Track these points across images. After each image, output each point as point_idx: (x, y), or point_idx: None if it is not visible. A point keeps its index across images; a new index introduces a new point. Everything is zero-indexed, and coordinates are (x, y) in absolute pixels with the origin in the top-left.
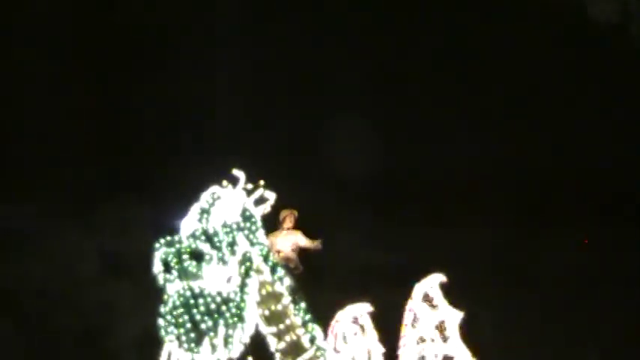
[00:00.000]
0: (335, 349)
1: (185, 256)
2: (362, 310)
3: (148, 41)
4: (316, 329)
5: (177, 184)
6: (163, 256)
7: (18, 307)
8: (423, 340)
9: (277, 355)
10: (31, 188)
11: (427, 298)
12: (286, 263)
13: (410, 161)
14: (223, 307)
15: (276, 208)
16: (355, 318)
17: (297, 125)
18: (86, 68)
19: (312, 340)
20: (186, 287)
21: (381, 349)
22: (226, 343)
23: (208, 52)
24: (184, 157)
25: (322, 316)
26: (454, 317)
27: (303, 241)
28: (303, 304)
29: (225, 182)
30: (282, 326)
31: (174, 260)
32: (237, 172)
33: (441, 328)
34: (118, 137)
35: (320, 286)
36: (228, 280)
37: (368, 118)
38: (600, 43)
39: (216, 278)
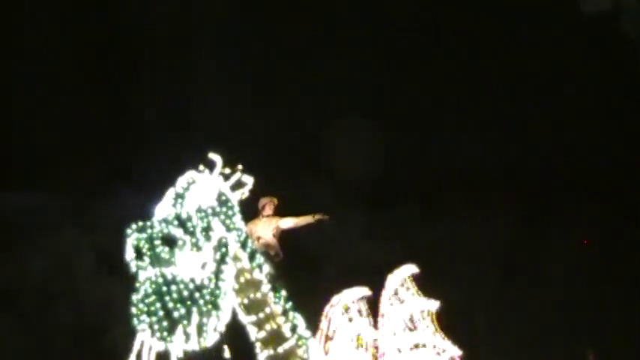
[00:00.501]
0: (327, 336)
1: (157, 242)
2: (358, 294)
3: (142, 38)
4: (298, 318)
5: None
6: (135, 242)
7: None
8: (404, 329)
9: (257, 345)
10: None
11: (399, 290)
12: (266, 250)
13: (408, 158)
14: (197, 295)
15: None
16: (351, 302)
17: (294, 123)
18: (78, 64)
19: (294, 329)
20: (158, 274)
21: (374, 335)
22: (200, 331)
23: (204, 50)
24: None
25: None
26: (429, 307)
27: (286, 222)
28: (283, 292)
29: (201, 167)
30: (261, 315)
31: (147, 246)
32: (214, 156)
33: (418, 317)
34: (112, 132)
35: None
36: (203, 267)
37: (368, 115)
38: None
39: (189, 264)
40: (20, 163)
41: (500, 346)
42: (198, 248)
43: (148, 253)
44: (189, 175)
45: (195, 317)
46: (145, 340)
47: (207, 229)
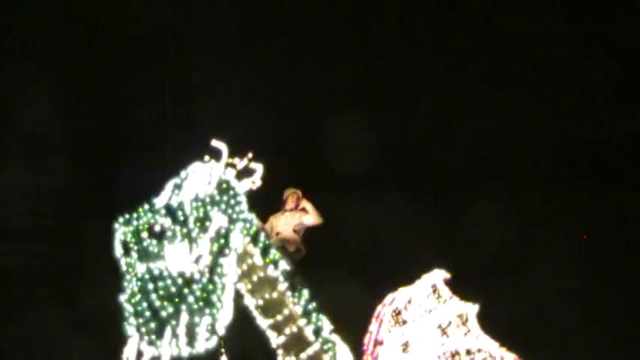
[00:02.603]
0: (376, 340)
1: (144, 235)
2: (419, 291)
3: (142, 32)
4: (322, 320)
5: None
6: (122, 237)
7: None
8: (443, 333)
9: (279, 352)
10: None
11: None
12: (283, 245)
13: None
14: (185, 290)
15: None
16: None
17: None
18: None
19: (317, 333)
20: (144, 270)
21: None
22: (190, 332)
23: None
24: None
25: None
26: (469, 310)
27: (309, 219)
28: (305, 291)
29: (207, 157)
30: (280, 317)
31: (133, 240)
32: (218, 144)
33: (461, 321)
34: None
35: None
36: (197, 260)
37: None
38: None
39: (180, 258)
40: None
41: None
42: (192, 240)
43: (135, 247)
44: (193, 165)
45: (184, 316)
46: (137, 344)
47: (202, 220)
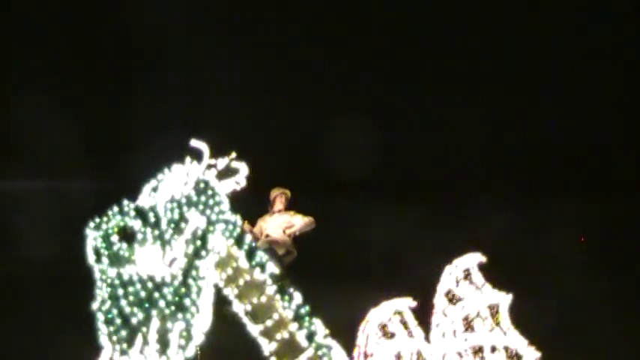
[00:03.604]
0: (365, 353)
1: (114, 238)
2: (398, 306)
3: (142, 36)
4: (315, 324)
5: None
6: (93, 243)
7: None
8: (468, 326)
9: (272, 359)
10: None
11: (461, 284)
12: (271, 247)
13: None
14: (156, 295)
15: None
16: (391, 315)
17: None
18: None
19: (310, 337)
20: (114, 275)
21: (429, 349)
22: (163, 339)
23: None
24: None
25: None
26: (502, 301)
27: (298, 219)
28: (296, 295)
29: (188, 158)
30: (270, 323)
31: (103, 245)
32: (198, 144)
33: (490, 313)
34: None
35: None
36: (171, 263)
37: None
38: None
39: (152, 261)
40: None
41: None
42: (165, 242)
43: (106, 252)
44: (171, 167)
45: (155, 322)
46: (108, 355)
47: (177, 221)
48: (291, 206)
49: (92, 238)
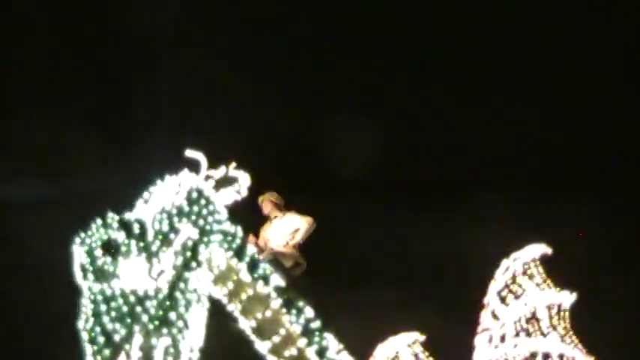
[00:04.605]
0: None
1: (98, 253)
2: (406, 340)
3: (141, 38)
4: (327, 339)
5: None
6: (79, 260)
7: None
8: (517, 333)
9: None
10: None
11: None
12: (276, 259)
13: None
14: (138, 309)
15: None
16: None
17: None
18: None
19: (321, 354)
20: (97, 291)
21: None
22: (147, 355)
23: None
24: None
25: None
26: (563, 300)
27: (297, 222)
28: (305, 308)
29: (186, 170)
30: (277, 339)
31: (88, 260)
32: (194, 154)
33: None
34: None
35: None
36: (158, 276)
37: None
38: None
39: (136, 274)
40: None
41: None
42: (151, 254)
43: (91, 268)
44: (164, 178)
45: (137, 338)
46: None
47: (166, 232)
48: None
49: (78, 254)
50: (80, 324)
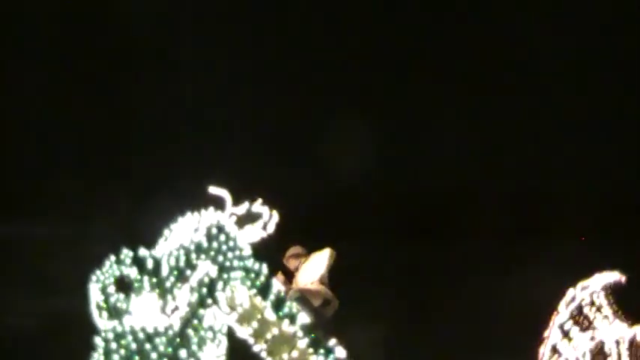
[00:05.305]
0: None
1: (110, 290)
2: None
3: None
4: None
5: None
6: (95, 299)
7: None
8: None
9: None
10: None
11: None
12: (302, 297)
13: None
14: (147, 346)
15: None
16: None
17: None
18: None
19: None
20: (109, 328)
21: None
22: None
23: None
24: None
25: None
26: (636, 335)
27: (321, 256)
28: (336, 348)
29: (211, 208)
30: None
31: (102, 298)
32: (217, 191)
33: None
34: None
35: None
36: (172, 312)
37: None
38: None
39: (149, 311)
40: None
41: None
42: (164, 290)
43: (104, 305)
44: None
45: None
46: None
47: (182, 268)
48: None
49: (93, 293)
50: None
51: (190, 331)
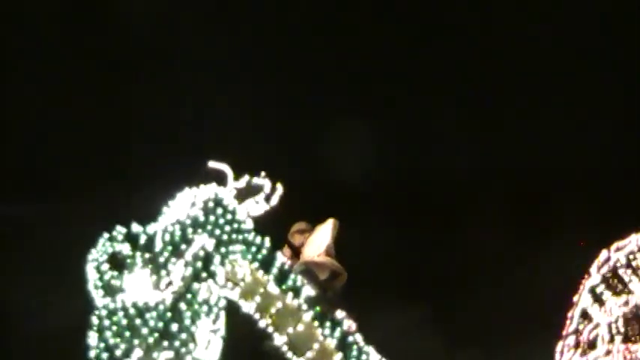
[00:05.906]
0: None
1: (104, 267)
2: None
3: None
4: (367, 352)
5: None
6: (91, 279)
7: None
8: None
9: None
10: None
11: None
12: (309, 270)
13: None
14: (138, 321)
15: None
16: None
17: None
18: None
19: None
20: (102, 305)
21: None
22: None
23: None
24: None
25: None
26: None
27: (325, 227)
28: (343, 320)
29: (214, 183)
30: (310, 354)
31: (97, 277)
32: (217, 165)
33: None
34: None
35: None
36: (165, 287)
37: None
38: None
39: (140, 286)
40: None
41: None
42: (158, 265)
43: (100, 283)
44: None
45: (137, 352)
46: None
47: (176, 243)
48: None
49: (90, 272)
50: (88, 341)
51: (183, 306)
